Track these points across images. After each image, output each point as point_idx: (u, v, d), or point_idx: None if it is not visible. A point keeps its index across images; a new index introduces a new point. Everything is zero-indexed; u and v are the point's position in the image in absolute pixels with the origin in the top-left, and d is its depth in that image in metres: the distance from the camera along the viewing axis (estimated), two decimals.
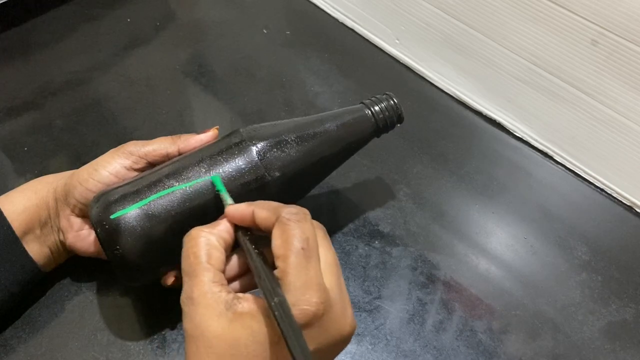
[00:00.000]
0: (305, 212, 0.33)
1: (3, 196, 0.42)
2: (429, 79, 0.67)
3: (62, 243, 0.43)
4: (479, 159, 0.59)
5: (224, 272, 0.33)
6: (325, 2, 0.75)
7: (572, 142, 0.58)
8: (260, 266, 0.31)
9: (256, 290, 0.32)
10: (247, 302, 0.30)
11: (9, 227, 0.41)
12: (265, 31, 0.72)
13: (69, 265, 0.46)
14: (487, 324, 0.46)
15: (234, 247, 0.35)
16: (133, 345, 0.43)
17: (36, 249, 0.42)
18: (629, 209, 0.56)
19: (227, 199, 0.36)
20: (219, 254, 0.33)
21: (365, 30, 0.72)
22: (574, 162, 0.58)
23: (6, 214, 0.41)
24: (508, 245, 0.52)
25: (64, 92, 0.62)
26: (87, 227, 0.43)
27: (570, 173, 0.59)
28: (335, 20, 0.74)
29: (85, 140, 0.57)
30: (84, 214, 0.42)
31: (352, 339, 0.44)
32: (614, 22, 0.48)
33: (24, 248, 0.41)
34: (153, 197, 0.38)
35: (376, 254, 0.50)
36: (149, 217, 0.37)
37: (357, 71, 0.67)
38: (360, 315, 0.46)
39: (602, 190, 0.57)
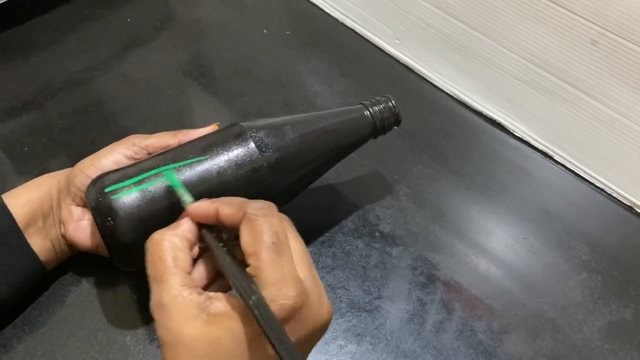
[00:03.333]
0: (271, 205, 0.32)
1: (7, 192, 0.43)
2: (429, 79, 0.67)
3: (64, 237, 0.43)
4: (479, 159, 0.59)
5: (190, 273, 0.32)
6: (325, 2, 0.75)
7: (572, 142, 0.58)
8: (231, 264, 0.31)
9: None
10: (221, 302, 0.30)
11: (12, 219, 0.41)
12: (265, 31, 0.72)
13: (69, 265, 0.46)
14: (487, 324, 0.46)
15: (200, 252, 0.35)
16: (133, 345, 0.43)
17: (38, 242, 0.42)
18: (629, 209, 0.56)
19: (185, 196, 0.35)
20: (184, 256, 0.32)
21: (365, 30, 0.72)
22: (574, 162, 0.58)
23: (10, 207, 0.41)
24: (508, 245, 0.52)
25: (64, 92, 0.62)
26: (87, 217, 0.43)
27: (570, 173, 0.59)
28: (335, 20, 0.74)
29: (85, 140, 0.57)
30: (84, 204, 0.42)
31: (352, 339, 0.44)
32: (614, 22, 0.48)
33: (27, 240, 0.41)
34: (148, 174, 0.39)
35: (376, 254, 0.50)
36: (143, 191, 0.38)
37: (357, 71, 0.67)
38: (360, 315, 0.46)
39: (602, 190, 0.57)
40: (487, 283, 0.49)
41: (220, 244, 0.32)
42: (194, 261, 0.34)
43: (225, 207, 0.33)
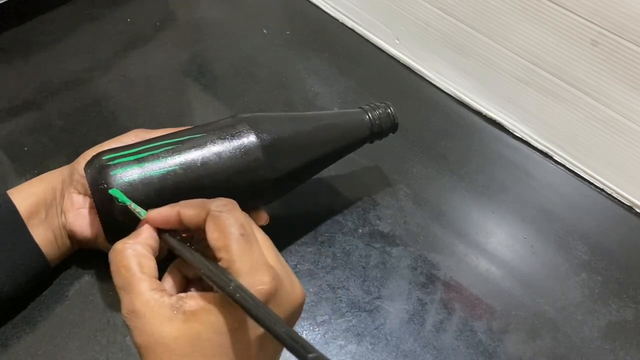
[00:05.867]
0: (233, 202, 0.33)
1: (12, 188, 0.43)
2: (429, 79, 0.67)
3: (65, 228, 0.43)
4: (479, 159, 0.59)
5: (157, 278, 0.33)
6: (325, 2, 0.75)
7: (572, 142, 0.58)
8: (202, 259, 0.31)
9: None
10: (193, 300, 0.31)
11: (15, 211, 0.41)
12: (265, 31, 0.72)
13: (69, 265, 0.46)
14: (487, 324, 0.46)
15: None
16: (133, 346, 0.43)
17: (41, 234, 0.42)
18: (629, 209, 0.56)
19: (138, 208, 0.36)
20: (149, 262, 0.33)
21: (365, 30, 0.72)
22: (574, 162, 0.58)
23: (14, 200, 0.42)
24: (508, 245, 0.52)
25: (64, 92, 0.62)
26: (88, 206, 0.43)
27: (570, 173, 0.59)
28: (335, 20, 0.74)
29: (85, 140, 0.57)
30: (86, 191, 0.42)
31: (352, 339, 0.44)
32: (614, 22, 0.48)
33: (29, 231, 0.41)
34: (145, 146, 0.40)
35: (376, 254, 0.50)
36: (138, 159, 0.39)
37: (357, 71, 0.67)
38: (360, 315, 0.46)
39: (602, 190, 0.57)
40: (487, 283, 0.49)
41: (187, 244, 0.33)
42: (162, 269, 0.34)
43: (187, 209, 0.33)
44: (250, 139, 0.41)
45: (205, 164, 0.39)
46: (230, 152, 0.40)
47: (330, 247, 0.50)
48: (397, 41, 0.69)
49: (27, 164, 0.54)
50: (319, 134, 0.46)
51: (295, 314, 0.33)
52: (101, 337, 0.43)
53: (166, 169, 0.39)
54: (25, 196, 0.42)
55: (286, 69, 0.67)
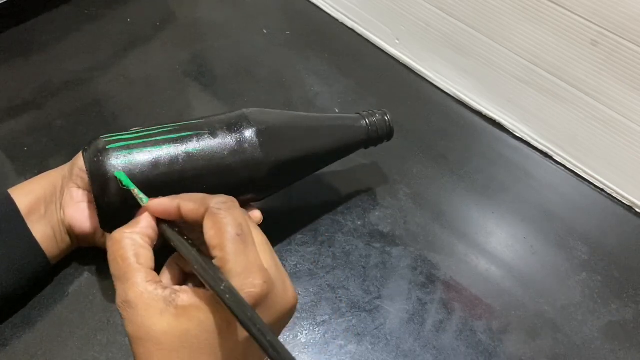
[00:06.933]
0: (233, 199, 0.33)
1: (13, 187, 0.43)
2: (429, 79, 0.67)
3: (64, 223, 0.43)
4: (479, 159, 0.59)
5: (153, 269, 0.33)
6: (325, 2, 0.75)
7: (572, 142, 0.58)
8: (197, 255, 0.31)
9: None
10: (186, 295, 0.31)
11: (14, 207, 0.41)
12: (265, 31, 0.72)
13: (69, 263, 0.46)
14: (487, 324, 0.46)
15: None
16: None
17: (40, 230, 0.42)
18: (629, 209, 0.56)
19: (141, 195, 0.35)
20: (146, 252, 0.33)
21: (365, 30, 0.72)
22: (574, 162, 0.58)
23: (15, 198, 0.42)
24: (508, 245, 0.52)
25: (64, 92, 0.62)
26: (87, 200, 0.43)
27: (570, 173, 0.59)
28: (335, 20, 0.74)
29: (85, 140, 0.56)
30: (85, 185, 0.42)
31: (352, 339, 0.44)
32: (614, 22, 0.48)
33: (29, 229, 0.41)
34: (145, 131, 0.40)
35: (376, 254, 0.50)
36: (137, 137, 0.39)
37: (357, 71, 0.67)
38: (360, 315, 0.46)
39: (602, 190, 0.57)
40: (487, 283, 0.49)
41: (184, 237, 0.33)
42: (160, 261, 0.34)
43: (187, 203, 0.33)
44: (246, 123, 0.42)
45: (200, 141, 0.40)
46: (226, 133, 0.41)
47: (330, 247, 0.50)
48: (397, 41, 0.69)
49: (27, 164, 0.54)
50: (315, 130, 0.47)
51: (285, 318, 0.33)
52: (101, 337, 0.43)
53: (165, 159, 0.39)
54: (25, 193, 0.42)
55: (286, 69, 0.67)
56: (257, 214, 0.44)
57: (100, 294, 0.46)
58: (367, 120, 0.49)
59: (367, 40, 0.71)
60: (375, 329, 0.45)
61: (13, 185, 0.44)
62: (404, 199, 0.55)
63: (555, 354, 0.45)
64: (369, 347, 0.44)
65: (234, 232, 0.31)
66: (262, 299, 0.30)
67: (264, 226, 0.43)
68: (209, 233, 0.31)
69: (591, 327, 0.47)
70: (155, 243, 0.34)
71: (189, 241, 0.33)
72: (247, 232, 0.32)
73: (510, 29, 0.56)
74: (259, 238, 0.33)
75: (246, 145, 0.41)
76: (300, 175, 0.48)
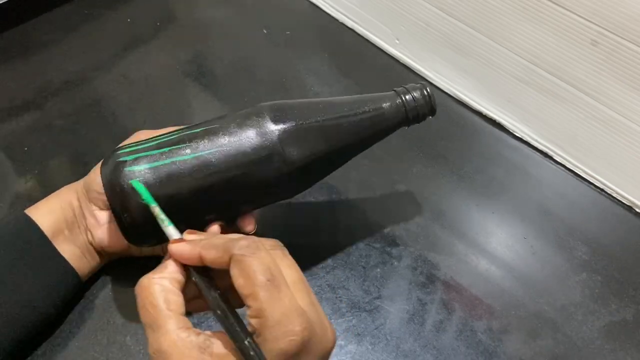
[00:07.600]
0: (256, 240, 0.31)
1: (29, 207, 0.43)
2: (429, 79, 0.67)
3: (92, 244, 0.43)
4: (479, 159, 0.59)
5: (184, 314, 0.32)
6: (325, 2, 0.75)
7: (572, 142, 0.58)
8: (222, 305, 0.30)
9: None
10: (221, 342, 0.30)
11: (38, 230, 0.41)
12: (265, 31, 0.72)
13: None
14: (487, 324, 0.46)
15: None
16: (133, 345, 0.43)
17: (67, 251, 0.42)
18: (629, 209, 0.56)
19: (162, 216, 0.34)
20: (176, 298, 0.31)
21: (365, 30, 0.72)
22: (574, 162, 0.58)
23: (35, 219, 0.41)
24: (508, 245, 0.52)
25: (64, 92, 0.62)
26: (113, 220, 0.42)
27: (570, 173, 0.59)
28: (335, 20, 0.74)
29: (85, 140, 0.57)
30: (107, 206, 0.42)
31: (352, 339, 0.44)
32: (614, 22, 0.48)
33: (57, 250, 0.41)
34: (159, 141, 0.39)
35: (376, 254, 0.50)
36: (155, 149, 0.38)
37: (357, 71, 0.67)
38: (360, 315, 0.46)
39: (602, 190, 0.57)
40: (487, 283, 0.49)
41: (212, 283, 0.32)
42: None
43: (209, 251, 0.31)
44: (268, 125, 0.39)
45: (222, 153, 0.38)
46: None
47: (330, 248, 0.50)
48: (397, 41, 0.69)
49: (27, 164, 0.54)
50: (351, 130, 0.42)
51: (325, 357, 0.32)
52: (101, 337, 0.43)
53: (178, 158, 0.37)
54: (43, 214, 0.42)
55: (286, 69, 0.67)
56: (251, 221, 0.42)
57: (100, 294, 0.46)
58: (403, 98, 0.43)
59: (367, 40, 0.71)
60: (375, 329, 0.45)
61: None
62: (404, 199, 0.55)
63: (555, 354, 0.45)
64: (369, 347, 0.44)
65: (264, 278, 0.29)
66: (303, 346, 0.29)
67: (262, 227, 0.43)
68: (238, 281, 0.30)
69: (591, 327, 0.47)
70: (184, 285, 0.33)
71: (217, 290, 0.31)
72: (277, 275, 0.30)
73: (510, 29, 0.56)
74: (293, 276, 0.32)
75: (270, 145, 0.39)
76: (323, 173, 0.44)
